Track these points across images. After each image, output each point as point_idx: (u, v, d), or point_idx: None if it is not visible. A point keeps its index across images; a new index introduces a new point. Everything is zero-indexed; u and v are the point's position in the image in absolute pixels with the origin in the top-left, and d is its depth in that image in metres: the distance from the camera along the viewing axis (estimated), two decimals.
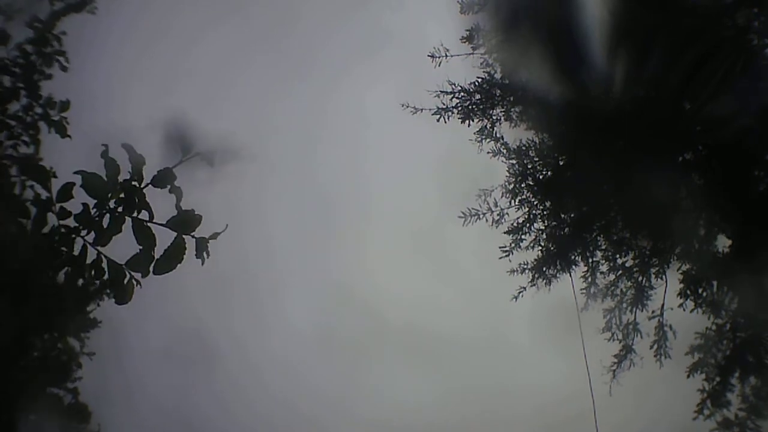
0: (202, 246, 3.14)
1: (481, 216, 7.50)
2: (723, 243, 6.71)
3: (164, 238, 3.16)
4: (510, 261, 7.43)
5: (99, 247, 3.20)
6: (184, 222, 3.13)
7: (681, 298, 6.77)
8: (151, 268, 3.15)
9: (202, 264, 3.14)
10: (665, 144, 6.67)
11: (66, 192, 3.18)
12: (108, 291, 3.31)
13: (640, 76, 6.63)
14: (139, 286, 3.18)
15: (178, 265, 3.14)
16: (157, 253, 3.15)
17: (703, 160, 6.84)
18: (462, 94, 7.51)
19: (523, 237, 7.46)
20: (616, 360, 7.01)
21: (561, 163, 7.41)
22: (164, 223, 3.15)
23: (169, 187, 3.12)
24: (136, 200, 3.15)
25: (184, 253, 3.13)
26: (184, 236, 3.13)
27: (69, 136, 5.10)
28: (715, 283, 6.69)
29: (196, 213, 3.13)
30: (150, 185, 3.16)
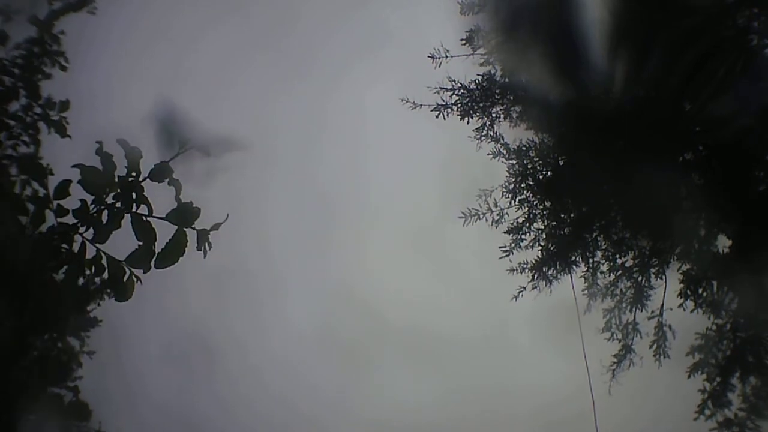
0: (203, 238, 3.07)
1: (481, 216, 7.50)
2: (723, 243, 6.71)
3: (163, 232, 3.10)
4: (510, 261, 7.44)
5: (98, 244, 3.14)
6: (184, 214, 3.06)
7: (681, 298, 6.76)
8: (152, 263, 3.07)
9: (204, 256, 3.07)
10: (665, 144, 6.66)
11: (63, 189, 3.12)
12: (108, 289, 3.25)
13: (640, 76, 6.63)
14: (139, 282, 3.12)
15: (180, 258, 3.07)
16: (158, 247, 3.08)
17: (703, 160, 6.84)
18: (462, 91, 7.51)
19: (523, 237, 7.46)
20: (615, 360, 7.01)
21: (561, 163, 7.40)
22: (163, 216, 3.08)
23: (167, 180, 3.06)
24: (134, 195, 3.09)
25: (186, 246, 3.06)
26: (184, 229, 3.05)
27: (69, 136, 5.10)
28: (715, 283, 6.68)
29: (195, 206, 3.06)
30: (148, 179, 3.10)
